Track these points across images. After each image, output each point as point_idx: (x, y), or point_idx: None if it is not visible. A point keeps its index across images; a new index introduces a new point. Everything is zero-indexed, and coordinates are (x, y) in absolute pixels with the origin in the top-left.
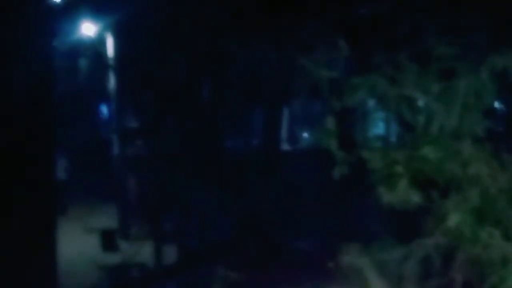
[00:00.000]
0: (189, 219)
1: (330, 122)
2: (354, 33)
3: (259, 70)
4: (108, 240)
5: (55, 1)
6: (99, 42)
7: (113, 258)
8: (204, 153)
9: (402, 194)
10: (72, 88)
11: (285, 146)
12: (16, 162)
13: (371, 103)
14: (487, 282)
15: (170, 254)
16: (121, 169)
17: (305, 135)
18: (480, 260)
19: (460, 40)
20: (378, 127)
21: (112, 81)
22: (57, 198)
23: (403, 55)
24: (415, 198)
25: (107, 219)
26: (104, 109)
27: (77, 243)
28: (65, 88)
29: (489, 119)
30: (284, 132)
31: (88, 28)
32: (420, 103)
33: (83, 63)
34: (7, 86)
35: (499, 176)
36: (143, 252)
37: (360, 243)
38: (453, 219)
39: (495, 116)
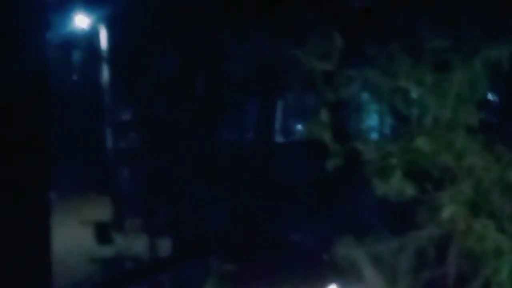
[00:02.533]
0: (183, 211)
1: (324, 114)
2: (348, 25)
3: (253, 62)
4: (102, 233)
5: None
6: (93, 34)
7: (107, 251)
8: (198, 145)
9: (396, 186)
10: (65, 81)
11: (279, 138)
12: (11, 155)
13: (365, 95)
14: (481, 274)
15: (164, 246)
16: (115, 162)
17: (299, 127)
18: (474, 251)
19: (454, 32)
20: (372, 119)
21: (105, 73)
22: (51, 190)
23: (397, 47)
24: (409, 190)
25: (101, 212)
26: None
27: (71, 236)
28: (59, 81)
29: (482, 110)
30: (278, 124)
31: (81, 20)
32: (414, 95)
33: (76, 55)
34: (2, 79)
35: (493, 168)
36: (137, 244)
37: (355, 235)
38: (447, 211)
39: (488, 108)
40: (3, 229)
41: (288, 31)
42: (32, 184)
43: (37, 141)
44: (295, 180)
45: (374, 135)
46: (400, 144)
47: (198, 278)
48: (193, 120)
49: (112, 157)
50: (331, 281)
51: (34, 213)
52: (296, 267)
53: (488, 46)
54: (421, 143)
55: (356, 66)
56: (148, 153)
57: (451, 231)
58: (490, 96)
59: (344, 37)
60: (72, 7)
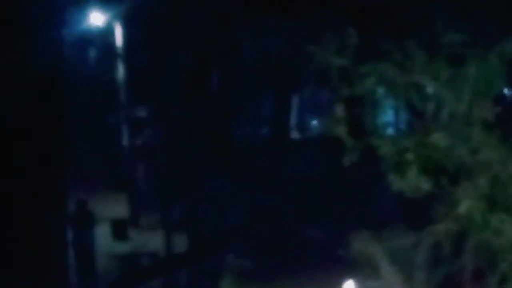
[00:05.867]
0: (199, 207)
1: (340, 110)
2: (363, 20)
3: (269, 58)
4: (119, 229)
5: None
6: (108, 32)
7: (124, 247)
8: (214, 141)
9: (412, 181)
10: (81, 78)
11: (295, 134)
12: (28, 150)
13: (380, 90)
14: (498, 268)
15: (181, 242)
16: (131, 158)
17: (315, 123)
18: (491, 246)
19: (469, 27)
20: (387, 114)
21: (121, 71)
22: (68, 186)
23: (412, 42)
24: (426, 185)
25: (118, 208)
26: None
27: None
28: (74, 78)
29: (498, 105)
30: (293, 120)
31: (96, 18)
32: (430, 90)
33: (92, 52)
34: (20, 77)
35: (509, 162)
36: (153, 241)
37: (371, 230)
38: (463, 206)
39: (504, 102)
40: (19, 230)
41: (303, 27)
42: (49, 181)
43: (53, 138)
44: (311, 176)
45: (390, 130)
46: (416, 139)
47: (214, 274)
48: (209, 116)
49: (128, 154)
50: (348, 276)
51: (51, 208)
52: (313, 262)
53: (504, 41)
54: (437, 138)
55: (372, 61)
56: (164, 149)
57: (468, 226)
58: (506, 91)
59: (359, 32)
60: (87, 5)
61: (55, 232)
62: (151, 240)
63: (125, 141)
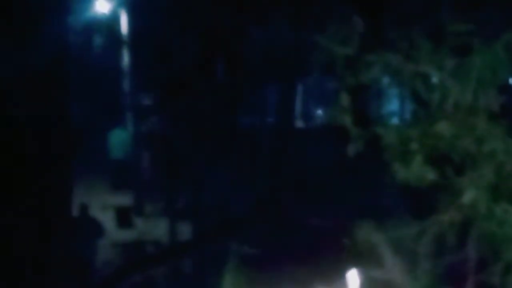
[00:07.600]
0: (203, 195)
1: (344, 99)
2: (369, 8)
3: (273, 47)
4: (123, 217)
5: None
6: (113, 19)
7: (128, 235)
8: (219, 129)
9: (416, 170)
10: (86, 66)
11: (299, 123)
12: (31, 138)
13: (385, 79)
14: (502, 259)
15: (185, 230)
16: (135, 146)
17: (319, 112)
18: (495, 236)
19: (476, 16)
20: (392, 104)
21: (126, 58)
22: (73, 176)
23: (418, 31)
24: (430, 174)
25: (122, 196)
26: None
27: None
28: (79, 66)
29: (504, 95)
30: (298, 109)
31: (102, 5)
32: (435, 79)
33: (97, 40)
34: (23, 64)
35: None
36: (158, 228)
37: (375, 220)
38: (468, 196)
39: (509, 92)
40: (24, 214)
41: (308, 15)
42: (52, 169)
43: (57, 126)
44: (316, 165)
45: (394, 120)
46: (421, 128)
47: (218, 262)
48: (214, 104)
49: (133, 142)
50: (351, 265)
51: (55, 198)
52: (316, 251)
53: (510, 30)
54: (442, 127)
55: (377, 50)
56: (169, 137)
57: (472, 216)
58: (511, 81)
59: (364, 21)
60: None
61: (57, 237)
62: (155, 228)
63: (130, 129)
